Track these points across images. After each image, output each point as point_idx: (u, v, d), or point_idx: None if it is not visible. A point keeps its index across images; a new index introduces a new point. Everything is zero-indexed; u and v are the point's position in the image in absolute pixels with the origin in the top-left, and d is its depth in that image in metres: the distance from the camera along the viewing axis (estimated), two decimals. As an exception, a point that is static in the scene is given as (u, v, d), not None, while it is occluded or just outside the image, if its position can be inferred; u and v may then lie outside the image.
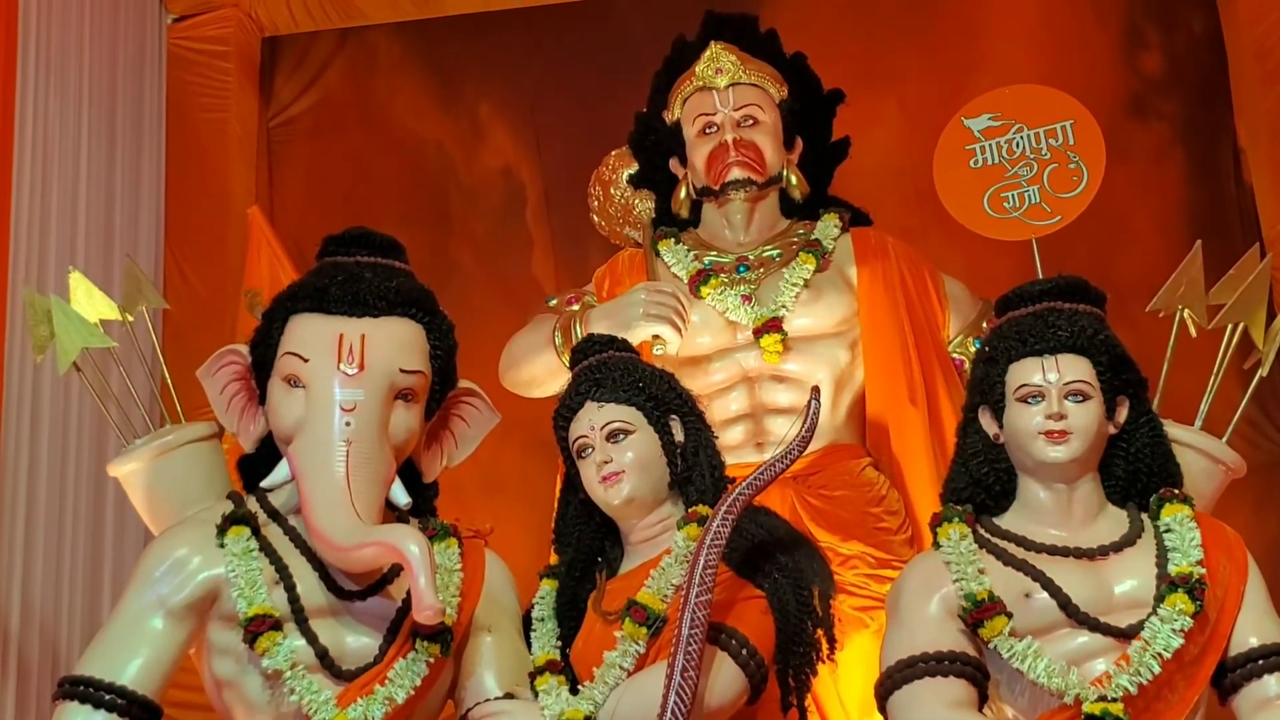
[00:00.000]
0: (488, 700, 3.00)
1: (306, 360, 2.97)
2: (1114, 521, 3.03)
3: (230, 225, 5.32)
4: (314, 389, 2.95)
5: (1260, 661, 2.88)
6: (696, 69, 4.27)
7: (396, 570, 2.97)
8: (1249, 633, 2.91)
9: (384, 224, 3.30)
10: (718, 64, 4.25)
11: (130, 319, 3.70)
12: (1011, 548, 2.99)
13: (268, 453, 3.08)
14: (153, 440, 3.42)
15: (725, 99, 4.21)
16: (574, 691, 2.95)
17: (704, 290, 4.11)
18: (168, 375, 3.71)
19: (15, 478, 4.31)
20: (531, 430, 4.05)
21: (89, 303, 3.61)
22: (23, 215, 4.49)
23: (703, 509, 3.03)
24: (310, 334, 2.99)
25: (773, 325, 4.03)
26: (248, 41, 5.78)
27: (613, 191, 4.66)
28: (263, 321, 3.12)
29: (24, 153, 4.54)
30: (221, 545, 2.94)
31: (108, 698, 2.84)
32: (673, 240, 4.26)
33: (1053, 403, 2.98)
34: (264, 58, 5.90)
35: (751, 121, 4.19)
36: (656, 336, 3.97)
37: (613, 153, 4.68)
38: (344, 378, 2.93)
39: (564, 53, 5.74)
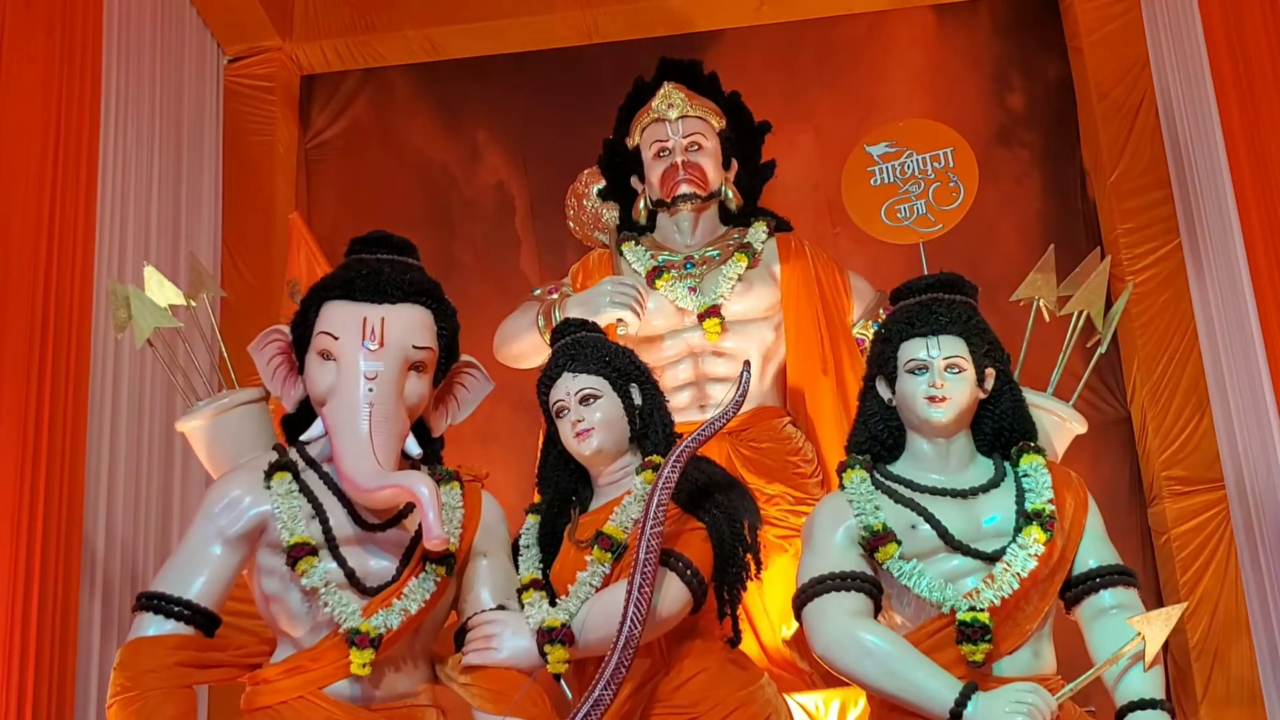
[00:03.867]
0: (484, 611, 3.00)
1: (337, 338, 2.94)
2: (983, 468, 3.05)
3: (275, 228, 5.26)
4: (343, 362, 2.93)
5: (1098, 579, 2.92)
6: (653, 104, 4.26)
7: (410, 507, 2.96)
8: (1089, 556, 2.95)
9: (399, 228, 3.26)
10: (670, 100, 4.24)
11: (194, 304, 3.67)
12: (901, 489, 3.01)
13: (305, 413, 3.06)
14: (212, 402, 3.41)
15: (676, 129, 4.20)
16: (553, 604, 2.96)
17: (658, 283, 4.10)
18: (224, 350, 3.69)
19: (100, 433, 4.27)
20: (519, 395, 4.04)
21: (160, 291, 3.57)
22: (106, 221, 4.44)
23: (656, 458, 3.04)
24: (340, 317, 2.96)
25: (713, 311, 4.03)
26: (289, 79, 5.72)
27: (585, 203, 4.64)
28: (301, 307, 3.10)
29: (106, 172, 4.49)
30: (268, 487, 2.92)
31: (177, 609, 2.83)
32: (633, 242, 4.25)
33: (935, 374, 3.00)
34: (302, 92, 5.82)
35: (697, 147, 4.18)
36: (620, 320, 3.95)
37: (585, 171, 4.65)
38: (367, 353, 2.91)
39: (546, 90, 5.70)
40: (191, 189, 5.14)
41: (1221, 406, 4.69)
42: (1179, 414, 4.85)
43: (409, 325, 2.98)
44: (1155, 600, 4.61)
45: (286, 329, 3.11)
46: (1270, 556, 4.34)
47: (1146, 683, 2.75)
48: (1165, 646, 2.82)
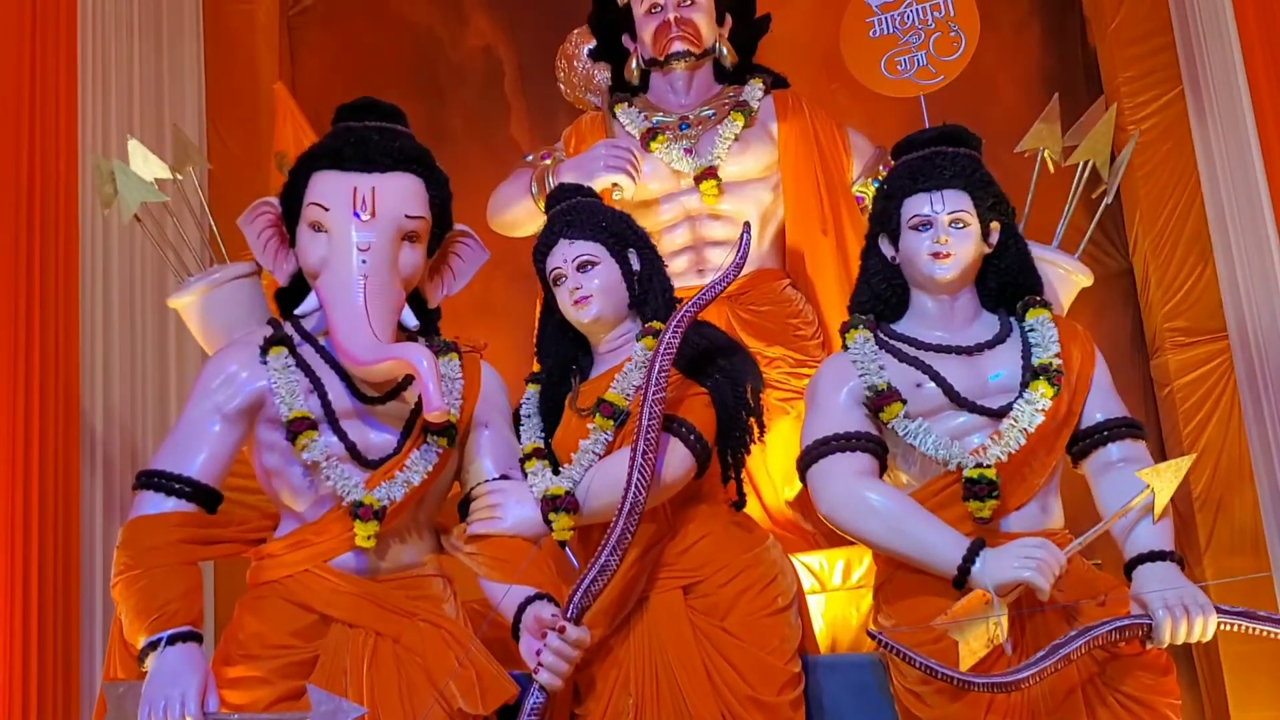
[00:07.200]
0: (487, 481, 2.99)
1: (327, 209, 2.90)
2: (987, 324, 3.02)
3: (260, 99, 5.15)
4: (335, 233, 2.88)
5: (1105, 433, 2.90)
6: (643, -43, 4.13)
7: (409, 379, 2.94)
8: (1096, 410, 2.93)
9: (386, 96, 3.18)
10: (661, -48, 4.10)
11: (179, 177, 3.63)
12: (905, 347, 2.98)
13: (299, 286, 3.02)
14: (203, 277, 3.41)
15: None
16: (555, 472, 2.95)
17: (653, 145, 4.03)
18: (213, 224, 3.65)
19: (93, 311, 4.23)
20: (515, 264, 4.00)
21: (145, 165, 3.56)
22: (88, 97, 4.35)
23: (656, 324, 3.00)
24: (329, 187, 2.91)
25: (710, 173, 3.97)
26: (270, -59, 5.55)
27: (576, 64, 4.56)
28: (290, 178, 3.04)
29: (86, 45, 4.38)
30: (264, 362, 2.90)
31: (177, 486, 2.82)
32: (626, 104, 4.16)
33: (939, 230, 2.95)
34: (282, -45, 5.67)
35: (690, 2, 4.08)
36: (615, 184, 3.88)
37: (575, 31, 4.56)
38: (359, 223, 2.87)
39: (532, -55, 5.56)
40: (173, 60, 5.00)
41: (1224, 256, 4.64)
42: (1181, 265, 4.81)
43: (401, 194, 2.93)
44: (1158, 454, 4.61)
45: (276, 201, 3.07)
46: (1273, 403, 4.34)
47: (1156, 535, 2.74)
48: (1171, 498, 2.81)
